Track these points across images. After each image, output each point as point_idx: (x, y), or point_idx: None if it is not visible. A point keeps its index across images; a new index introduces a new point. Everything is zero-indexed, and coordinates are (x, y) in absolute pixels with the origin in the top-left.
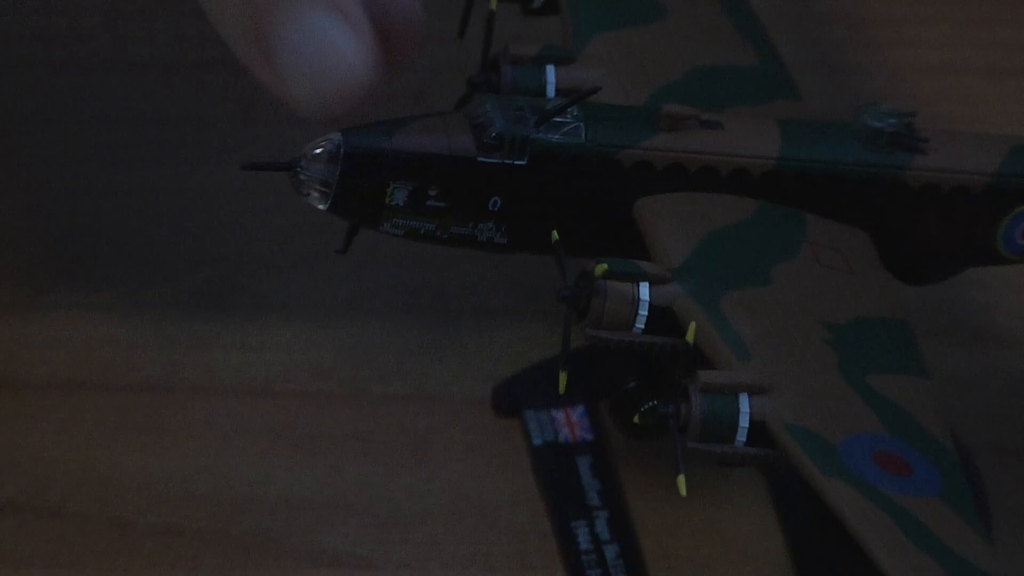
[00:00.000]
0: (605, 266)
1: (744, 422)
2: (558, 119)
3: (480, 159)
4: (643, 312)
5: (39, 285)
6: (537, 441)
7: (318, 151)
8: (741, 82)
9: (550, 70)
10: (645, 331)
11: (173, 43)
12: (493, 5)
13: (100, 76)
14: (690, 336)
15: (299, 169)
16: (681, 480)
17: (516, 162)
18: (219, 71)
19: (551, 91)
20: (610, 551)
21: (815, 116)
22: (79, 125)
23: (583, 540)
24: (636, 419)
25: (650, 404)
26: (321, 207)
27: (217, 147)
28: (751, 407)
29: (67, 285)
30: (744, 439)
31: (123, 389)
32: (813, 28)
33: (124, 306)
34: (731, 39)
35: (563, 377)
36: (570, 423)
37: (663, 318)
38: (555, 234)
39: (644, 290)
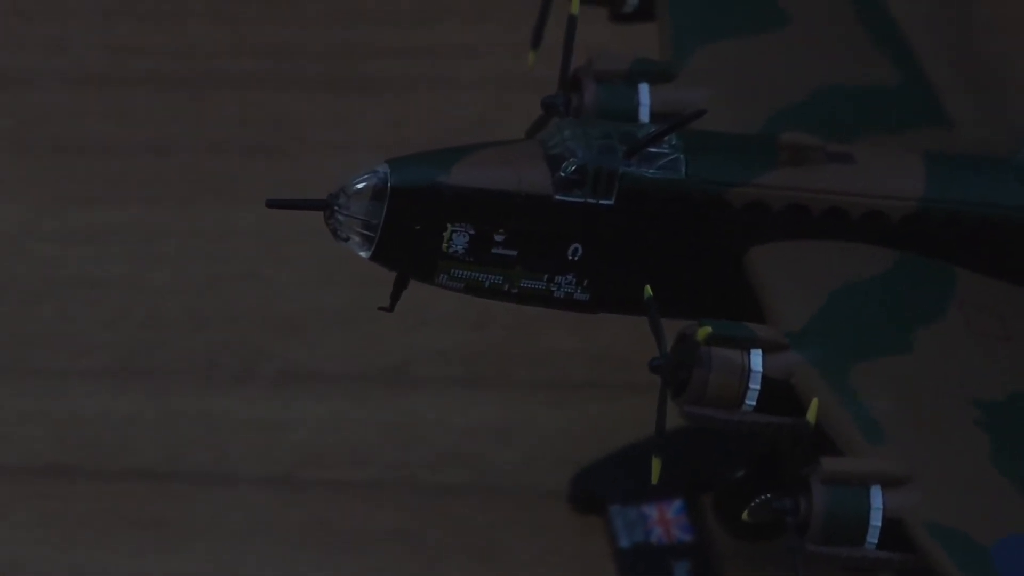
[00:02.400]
0: (709, 329)
1: (876, 520)
2: (653, 149)
3: (557, 198)
4: (755, 386)
5: (14, 347)
6: (624, 543)
7: (360, 186)
8: (878, 105)
9: (644, 89)
10: (757, 409)
11: (174, 53)
12: (575, 8)
13: (80, 92)
14: (812, 415)
15: (336, 208)
16: None
17: (601, 202)
18: (231, 87)
19: (645, 115)
20: None
21: (968, 148)
22: (56, 152)
23: None
24: (745, 516)
25: (762, 498)
26: (363, 254)
27: (231, 180)
28: (885, 502)
29: (47, 347)
30: (876, 541)
31: (116, 476)
32: (969, 39)
33: (117, 373)
34: (866, 53)
35: (657, 465)
36: (664, 521)
37: (779, 393)
38: (648, 290)
39: (756, 359)
